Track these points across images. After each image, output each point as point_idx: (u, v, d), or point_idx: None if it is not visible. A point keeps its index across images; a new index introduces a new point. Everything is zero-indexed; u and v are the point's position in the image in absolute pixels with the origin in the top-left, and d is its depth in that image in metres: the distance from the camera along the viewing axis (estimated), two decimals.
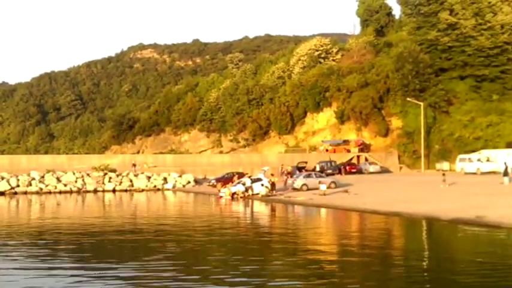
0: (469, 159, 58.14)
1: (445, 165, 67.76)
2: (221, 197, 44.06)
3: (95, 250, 20.34)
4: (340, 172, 62.65)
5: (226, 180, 52.07)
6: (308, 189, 42.57)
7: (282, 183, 48.08)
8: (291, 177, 49.88)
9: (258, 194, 42.68)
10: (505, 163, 43.62)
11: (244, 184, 44.34)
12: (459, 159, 60.28)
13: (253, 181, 44.58)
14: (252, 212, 35.40)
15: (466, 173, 56.15)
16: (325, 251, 18.81)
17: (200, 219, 30.15)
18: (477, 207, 27.12)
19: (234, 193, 43.39)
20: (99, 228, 26.55)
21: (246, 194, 43.11)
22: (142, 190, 56.47)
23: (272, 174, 45.97)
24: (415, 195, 36.39)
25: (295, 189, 44.15)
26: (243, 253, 18.88)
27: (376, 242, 20.33)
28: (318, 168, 59.94)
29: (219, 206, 39.82)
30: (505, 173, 41.14)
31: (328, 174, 53.74)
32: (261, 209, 36.65)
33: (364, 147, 76.63)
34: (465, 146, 67.60)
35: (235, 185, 45.08)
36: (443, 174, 42.29)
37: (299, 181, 44.90)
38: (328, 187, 42.50)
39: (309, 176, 45.97)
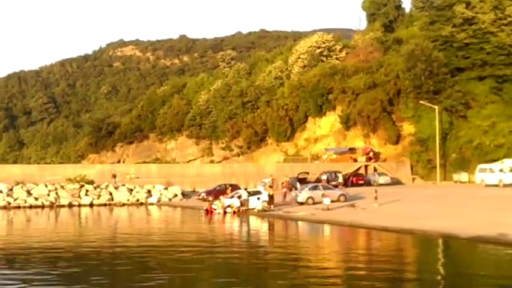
0: (490, 169, 58.08)
1: (463, 176, 67.79)
2: (211, 211, 43.88)
3: (63, 277, 20.05)
4: (345, 184, 62.54)
5: (217, 193, 51.97)
6: (314, 203, 42.52)
7: (279, 195, 47.89)
8: (290, 190, 49.78)
9: (253, 208, 42.59)
10: None
11: (240, 197, 44.25)
12: (479, 169, 60.23)
13: (251, 194, 44.47)
14: (248, 231, 35.25)
15: (486, 185, 56.10)
16: (329, 283, 18.18)
17: (188, 241, 30.03)
18: (499, 224, 27.12)
19: (227, 206, 43.25)
20: (72, 250, 26.38)
21: (241, 208, 42.96)
22: (124, 204, 56.30)
23: (270, 186, 45.88)
24: (430, 209, 36.39)
25: (299, 203, 44.00)
26: None
27: (387, 269, 19.94)
28: (324, 179, 59.78)
29: (209, 223, 39.71)
30: None
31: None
32: (256, 227, 36.54)
33: (372, 156, 76.59)
34: (485, 154, 67.58)
35: (229, 198, 45.00)
36: (376, 191, 42.17)
37: (304, 194, 44.79)
38: (337, 200, 42.55)
39: (315, 188, 45.84)
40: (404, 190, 57.16)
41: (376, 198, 40.63)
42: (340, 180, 61.40)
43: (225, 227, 37.93)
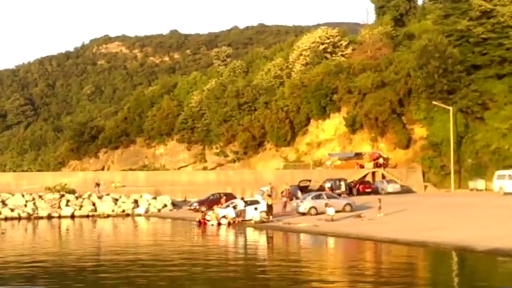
0: (509, 176, 58.26)
1: (480, 183, 67.92)
2: (205, 223, 43.94)
3: None
4: (350, 192, 62.63)
5: (211, 202, 52.01)
6: (317, 214, 42.66)
7: (279, 205, 47.98)
8: (291, 199, 49.89)
9: (250, 219, 42.66)
10: None
11: (235, 207, 44.30)
12: (497, 176, 60.40)
13: (248, 204, 44.53)
14: (245, 244, 35.23)
15: (505, 193, 56.23)
16: None
17: (180, 256, 30.03)
18: None
19: (222, 217, 43.27)
20: (51, 267, 26.36)
21: (237, 220, 43.01)
22: (108, 216, 56.28)
23: (269, 195, 45.91)
24: (444, 220, 36.49)
25: (301, 213, 44.12)
26: None
27: (399, 286, 19.99)
28: (328, 187, 59.83)
29: (202, 236, 39.75)
30: None
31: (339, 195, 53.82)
32: (253, 240, 36.56)
33: (383, 163, 76.66)
34: (504, 159, 67.75)
35: (224, 208, 45.06)
36: (379, 200, 42.06)
37: (306, 203, 44.93)
38: (342, 210, 42.69)
39: (318, 197, 45.99)
40: (415, 199, 57.27)
41: (379, 208, 40.67)
42: (343, 188, 61.25)
43: (219, 240, 37.97)
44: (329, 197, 45.90)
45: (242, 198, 47.46)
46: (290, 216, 44.09)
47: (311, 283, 20.66)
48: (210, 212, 45.44)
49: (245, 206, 44.26)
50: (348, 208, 44.18)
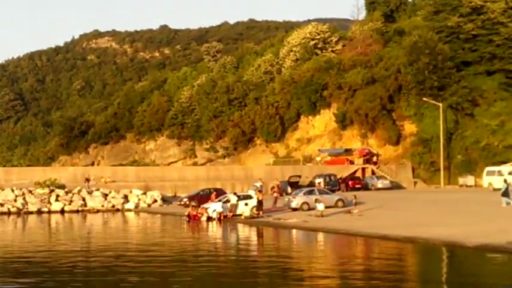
0: (499, 172, 58.44)
1: (469, 179, 68.16)
2: (194, 217, 43.91)
3: None
4: (339, 188, 62.71)
5: (201, 198, 51.93)
6: (309, 209, 42.72)
7: (269, 201, 48.01)
8: (281, 195, 49.93)
9: (240, 215, 42.63)
10: (505, 180, 43.48)
11: (228, 201, 44.25)
12: (486, 172, 60.65)
13: (241, 198, 44.51)
14: (237, 240, 35.19)
15: (494, 189, 56.37)
16: None
17: (171, 252, 29.97)
18: (507, 231, 27.33)
19: (213, 211, 43.23)
20: (40, 263, 26.26)
21: (229, 214, 42.95)
22: (98, 211, 56.15)
23: (259, 191, 45.89)
24: (434, 216, 36.59)
25: (293, 209, 44.18)
26: None
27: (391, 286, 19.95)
28: (318, 183, 59.84)
29: (192, 232, 39.76)
30: (505, 193, 40.60)
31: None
32: (243, 236, 36.53)
33: (370, 158, 76.87)
34: (494, 156, 68.03)
35: (215, 203, 45.06)
36: (355, 197, 41.92)
37: (298, 199, 44.96)
38: (334, 206, 42.75)
39: (310, 192, 46.06)
40: (405, 195, 57.46)
41: (355, 204, 40.60)
42: (322, 185, 60.67)
43: (209, 235, 37.93)
44: (321, 193, 45.99)
45: (235, 193, 47.32)
46: (280, 211, 44.12)
47: (300, 282, 20.64)
48: (201, 207, 45.42)
49: (237, 201, 44.21)
50: (340, 204, 44.21)
